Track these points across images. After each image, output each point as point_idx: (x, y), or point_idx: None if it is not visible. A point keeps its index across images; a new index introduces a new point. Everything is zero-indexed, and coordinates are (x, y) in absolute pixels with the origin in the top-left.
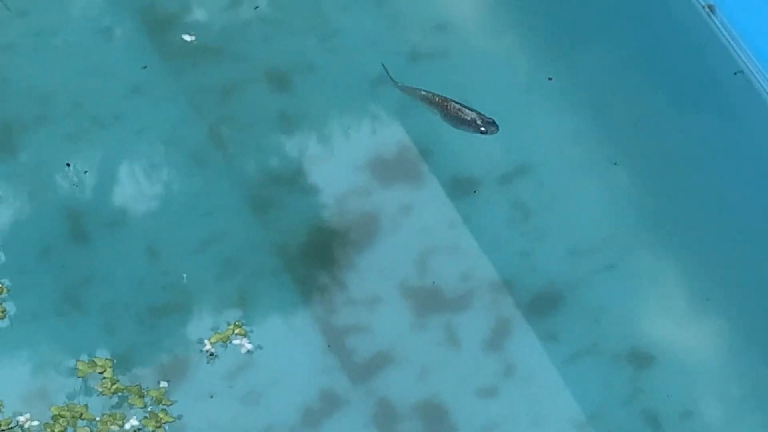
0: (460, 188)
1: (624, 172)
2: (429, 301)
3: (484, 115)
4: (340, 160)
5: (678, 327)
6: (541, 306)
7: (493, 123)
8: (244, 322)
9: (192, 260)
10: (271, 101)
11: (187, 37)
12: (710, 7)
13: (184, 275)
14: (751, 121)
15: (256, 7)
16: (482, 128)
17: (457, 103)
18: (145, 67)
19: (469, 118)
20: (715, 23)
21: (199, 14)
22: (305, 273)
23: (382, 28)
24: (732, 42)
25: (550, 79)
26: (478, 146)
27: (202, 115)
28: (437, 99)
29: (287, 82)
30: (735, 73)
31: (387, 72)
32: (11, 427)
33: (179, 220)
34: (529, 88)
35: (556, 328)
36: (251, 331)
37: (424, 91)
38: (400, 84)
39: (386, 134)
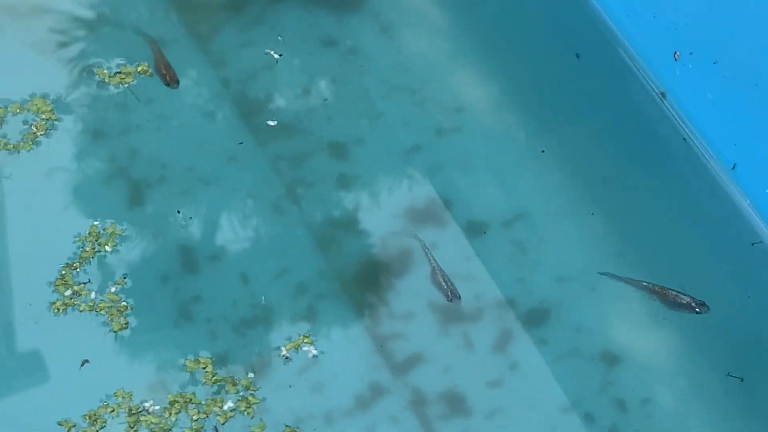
0: (473, 230)
1: (598, 219)
2: (450, 316)
3: (696, 298)
4: (383, 210)
5: (639, 335)
6: (535, 319)
7: (704, 304)
8: (311, 333)
9: (272, 285)
10: (332, 166)
11: (270, 123)
12: (662, 93)
13: (263, 297)
14: (690, 180)
15: (325, 100)
16: (696, 309)
17: (673, 290)
18: (241, 143)
19: (684, 302)
20: (666, 106)
21: (279, 102)
22: (357, 295)
23: (414, 110)
24: (677, 118)
25: (542, 151)
26: (486, 199)
27: (280, 176)
28: (657, 288)
29: (344, 152)
30: (684, 139)
31: (611, 275)
32: (139, 411)
33: (263, 255)
34: (525, 156)
35: (546, 336)
36: (316, 340)
37: (645, 282)
38: (624, 278)
39: (417, 190)
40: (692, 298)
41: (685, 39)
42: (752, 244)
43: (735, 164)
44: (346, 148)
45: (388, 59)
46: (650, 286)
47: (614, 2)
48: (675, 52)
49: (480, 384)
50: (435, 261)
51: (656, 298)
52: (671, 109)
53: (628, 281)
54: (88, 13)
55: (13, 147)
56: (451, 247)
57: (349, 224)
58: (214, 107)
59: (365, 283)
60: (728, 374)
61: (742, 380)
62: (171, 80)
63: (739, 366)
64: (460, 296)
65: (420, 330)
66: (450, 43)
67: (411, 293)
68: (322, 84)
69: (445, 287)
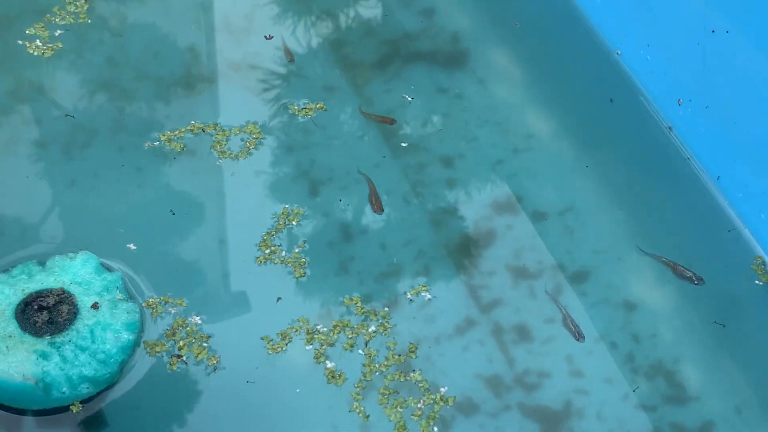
0: (537, 217)
1: (623, 213)
2: (521, 274)
3: (696, 273)
4: (476, 202)
5: (650, 291)
6: (578, 278)
7: (702, 279)
8: (427, 284)
9: (402, 250)
10: (442, 173)
11: (403, 144)
12: (669, 127)
13: (395, 259)
14: (688, 188)
15: (440, 130)
16: (695, 281)
17: (681, 265)
18: (384, 157)
19: (688, 275)
20: (672, 136)
21: (408, 129)
22: (458, 259)
23: (499, 136)
24: (680, 145)
25: (586, 166)
26: (546, 197)
27: (407, 179)
28: (670, 263)
29: (450, 163)
30: (685, 159)
31: (643, 251)
32: (313, 331)
33: (395, 230)
34: (574, 168)
35: (585, 289)
36: (430, 288)
37: (664, 258)
38: (650, 253)
39: (499, 189)
40: (694, 273)
41: (686, 90)
42: (728, 231)
43: (719, 176)
44: (452, 161)
45: (482, 101)
46: (667, 261)
47: (638, 64)
48: (679, 99)
49: (539, 320)
50: (565, 310)
51: (669, 270)
52: (676, 138)
53: (653, 256)
54: (282, 70)
55: (235, 156)
56: (522, 228)
57: (453, 211)
58: (364, 132)
59: (463, 251)
60: (714, 321)
61: (725, 326)
62: (378, 209)
63: (722, 317)
64: (584, 336)
65: (499, 283)
66: (524, 90)
67: (493, 258)
68: (437, 117)
69: (573, 330)
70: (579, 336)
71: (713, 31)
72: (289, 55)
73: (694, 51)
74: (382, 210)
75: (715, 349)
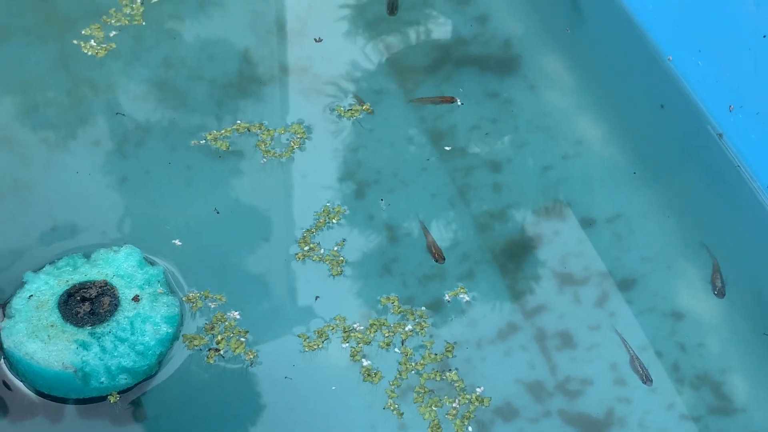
0: (585, 223)
1: (672, 219)
2: (566, 279)
3: (723, 287)
4: (523, 207)
5: (698, 300)
6: (625, 285)
7: (724, 294)
8: (469, 287)
9: (447, 253)
10: (489, 177)
11: (447, 148)
12: (720, 134)
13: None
14: (739, 195)
15: (486, 133)
16: (715, 292)
17: (720, 273)
18: (428, 159)
19: (717, 284)
20: (722, 142)
21: (457, 133)
22: (503, 262)
23: (548, 141)
24: (730, 152)
25: (634, 173)
26: (595, 202)
27: (455, 182)
28: (717, 265)
29: (498, 168)
30: (736, 166)
31: (705, 246)
32: (350, 329)
33: (440, 233)
34: (623, 175)
35: (632, 297)
36: (474, 292)
37: (716, 261)
38: (710, 250)
39: (548, 195)
40: (723, 285)
41: (737, 97)
42: None
43: None
44: (500, 165)
45: (532, 107)
46: (716, 262)
47: (689, 70)
48: (730, 106)
49: (584, 327)
50: (633, 351)
51: (711, 271)
52: (727, 146)
53: (711, 254)
54: (332, 73)
55: (279, 155)
56: (569, 234)
57: (500, 215)
58: (413, 135)
59: (508, 255)
60: (764, 333)
61: None
62: (439, 257)
63: None
64: (652, 379)
65: (544, 288)
66: (575, 96)
67: (539, 263)
68: (486, 122)
69: (641, 372)
70: (646, 379)
71: (765, 36)
72: (363, 103)
73: (745, 57)
74: (444, 258)
75: (764, 361)
